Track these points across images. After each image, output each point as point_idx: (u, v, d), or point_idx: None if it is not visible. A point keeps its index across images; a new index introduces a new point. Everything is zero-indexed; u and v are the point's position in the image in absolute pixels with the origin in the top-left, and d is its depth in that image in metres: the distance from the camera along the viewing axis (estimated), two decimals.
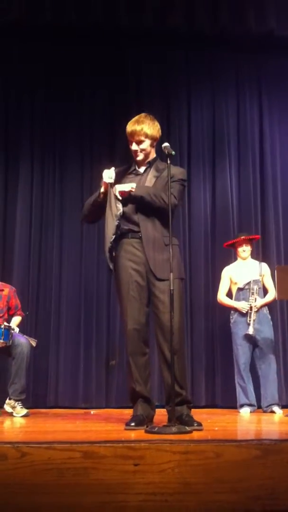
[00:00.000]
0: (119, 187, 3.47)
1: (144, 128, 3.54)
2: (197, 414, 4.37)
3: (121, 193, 3.45)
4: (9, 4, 5.71)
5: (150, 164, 3.64)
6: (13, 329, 4.96)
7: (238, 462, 2.24)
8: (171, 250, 3.21)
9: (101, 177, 3.56)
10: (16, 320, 5.24)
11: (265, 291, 5.57)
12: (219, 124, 6.64)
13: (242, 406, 5.30)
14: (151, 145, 3.62)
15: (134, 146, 3.60)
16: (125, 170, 3.72)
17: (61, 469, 2.18)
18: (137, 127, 3.54)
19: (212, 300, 6.15)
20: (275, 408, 5.18)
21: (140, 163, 3.67)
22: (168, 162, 3.36)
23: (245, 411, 5.21)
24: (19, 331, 5.13)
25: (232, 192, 6.48)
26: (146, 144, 3.58)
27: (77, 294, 6.22)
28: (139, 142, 3.58)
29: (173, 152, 3.42)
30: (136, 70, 6.64)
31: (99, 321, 6.19)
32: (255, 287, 5.45)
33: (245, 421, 4.44)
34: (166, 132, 6.51)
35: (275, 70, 6.77)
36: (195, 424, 3.21)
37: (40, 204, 6.37)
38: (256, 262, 5.68)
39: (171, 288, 3.18)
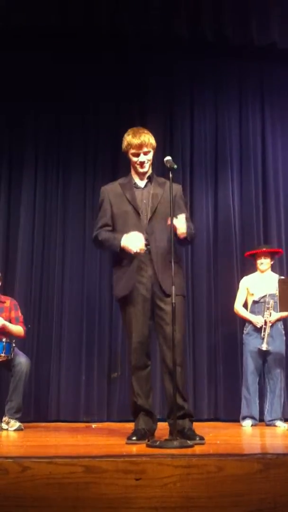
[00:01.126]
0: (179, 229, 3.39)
1: (150, 139, 3.65)
2: (200, 427, 4.35)
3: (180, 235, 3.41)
4: (11, 13, 5.74)
5: (150, 179, 3.67)
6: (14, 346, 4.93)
7: (240, 476, 2.23)
8: (173, 265, 3.23)
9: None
10: (15, 326, 5.10)
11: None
12: (222, 136, 6.67)
13: (244, 418, 5.27)
14: (152, 156, 3.69)
15: (141, 157, 3.64)
16: (124, 184, 3.75)
17: (63, 483, 2.17)
18: (145, 138, 3.62)
19: (215, 313, 6.15)
20: (279, 423, 5.14)
21: (141, 176, 3.70)
22: (170, 175, 3.41)
23: (246, 424, 5.18)
24: (18, 345, 5.08)
25: (234, 204, 6.49)
26: (151, 155, 3.67)
27: (79, 305, 6.21)
28: (146, 153, 3.64)
29: (175, 166, 3.46)
30: (140, 81, 6.66)
31: (101, 334, 6.17)
32: (271, 301, 5.38)
33: (247, 435, 4.41)
34: (169, 143, 6.57)
35: (278, 82, 6.81)
36: (197, 438, 3.21)
37: (43, 214, 6.37)
38: (276, 276, 5.61)
39: (173, 302, 3.19)
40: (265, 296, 5.43)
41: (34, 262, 6.24)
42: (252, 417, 5.24)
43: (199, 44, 6.27)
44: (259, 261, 5.61)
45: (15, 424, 4.68)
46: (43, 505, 2.15)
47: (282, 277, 5.58)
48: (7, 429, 4.67)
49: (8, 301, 5.24)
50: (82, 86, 6.53)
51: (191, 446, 2.93)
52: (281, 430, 4.87)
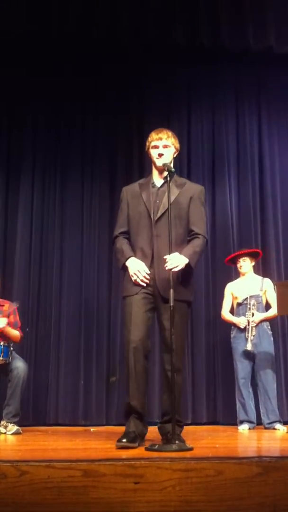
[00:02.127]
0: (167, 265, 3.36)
1: (172, 136, 3.69)
2: (198, 431, 4.36)
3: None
4: (11, 18, 5.76)
5: (167, 179, 3.57)
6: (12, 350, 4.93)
7: (239, 479, 2.22)
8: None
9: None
10: (13, 330, 5.10)
11: (268, 307, 5.55)
12: (219, 140, 6.68)
13: (241, 422, 5.25)
14: (173, 154, 3.71)
15: (160, 150, 3.64)
16: (143, 184, 3.78)
17: (61, 487, 2.16)
18: (165, 134, 3.68)
19: (213, 317, 6.14)
20: (278, 426, 5.12)
21: (159, 173, 3.69)
22: (168, 179, 3.44)
23: (243, 428, 5.15)
24: (17, 350, 5.07)
25: (232, 208, 6.49)
26: (171, 151, 3.68)
27: (77, 310, 6.21)
28: (165, 147, 3.65)
29: (173, 169, 3.49)
30: (137, 86, 6.69)
31: (99, 338, 6.17)
32: (252, 302, 5.43)
33: (246, 438, 4.40)
34: None
35: (275, 86, 6.82)
36: (178, 442, 3.07)
37: (41, 220, 6.38)
38: (259, 278, 5.65)
39: (171, 305, 3.19)
40: (247, 297, 5.46)
41: (32, 267, 6.25)
42: (249, 421, 5.22)
43: (196, 49, 6.28)
44: (238, 265, 5.66)
45: (13, 428, 4.67)
46: (42, 510, 2.14)
47: (267, 279, 5.63)
48: (5, 433, 4.66)
49: (7, 305, 5.24)
50: (81, 91, 6.55)
51: (190, 449, 2.92)
52: (280, 433, 4.86)
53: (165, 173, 3.58)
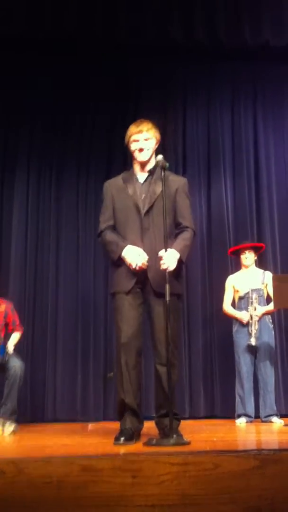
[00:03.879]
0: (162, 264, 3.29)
1: (152, 128, 3.62)
2: (196, 424, 4.38)
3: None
4: (10, 19, 5.75)
5: (150, 173, 3.60)
6: (8, 349, 4.93)
7: (237, 472, 2.23)
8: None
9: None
10: (14, 338, 5.16)
11: (269, 300, 5.55)
12: (214, 134, 6.69)
13: (239, 416, 5.27)
14: (154, 146, 3.64)
15: (141, 143, 3.58)
16: (126, 178, 3.70)
17: (60, 483, 2.16)
18: (147, 126, 3.60)
19: (210, 311, 6.15)
20: (274, 419, 5.15)
21: (142, 168, 3.64)
22: (163, 174, 3.38)
23: (240, 422, 5.17)
24: (15, 349, 5.08)
25: (228, 202, 6.50)
26: (152, 143, 3.62)
27: (74, 306, 6.21)
28: (147, 140, 3.59)
29: (167, 164, 3.43)
30: (134, 83, 6.70)
31: (96, 334, 6.18)
32: (254, 295, 5.41)
33: (243, 432, 4.42)
34: (161, 142, 6.55)
35: (270, 81, 6.83)
36: (175, 436, 3.05)
37: (36, 216, 6.38)
38: (260, 271, 5.63)
39: (167, 299, 3.16)
40: (249, 291, 5.45)
41: (27, 264, 6.25)
42: (247, 415, 5.24)
43: (192, 46, 6.28)
44: (243, 256, 5.62)
45: (11, 425, 4.67)
46: (41, 506, 2.14)
47: (268, 272, 5.62)
48: (2, 431, 4.66)
49: (4, 305, 5.23)
50: (77, 88, 6.54)
51: (188, 443, 2.93)
52: (277, 426, 4.88)
53: (148, 167, 3.59)
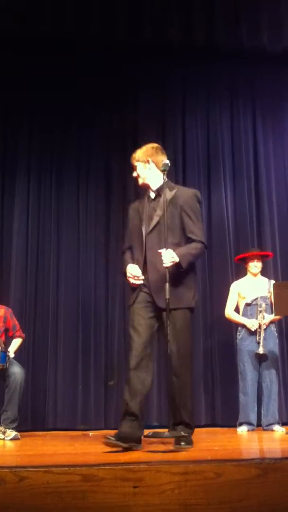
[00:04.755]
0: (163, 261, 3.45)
1: (133, 156, 3.83)
2: (197, 433, 4.33)
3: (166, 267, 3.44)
4: (6, 19, 5.77)
5: (158, 191, 3.72)
6: (9, 353, 4.93)
7: (238, 481, 2.22)
8: (167, 278, 3.38)
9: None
10: (15, 344, 5.18)
11: (273, 308, 5.52)
12: (214, 139, 6.69)
13: (241, 424, 5.24)
14: (145, 168, 3.77)
15: (134, 174, 3.85)
16: (142, 199, 3.90)
17: (60, 492, 2.16)
18: (132, 158, 3.85)
19: (210, 318, 6.14)
20: (276, 427, 5.12)
21: (148, 188, 3.80)
22: (164, 178, 3.65)
23: (242, 430, 5.14)
24: (15, 356, 5.08)
25: (228, 207, 6.49)
26: (139, 167, 3.79)
27: (75, 313, 6.19)
28: (134, 169, 3.82)
29: (164, 168, 3.63)
30: (132, 86, 6.69)
31: (97, 342, 6.16)
32: (263, 304, 5.39)
33: (244, 440, 4.40)
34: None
35: (268, 84, 6.85)
36: (182, 444, 3.25)
37: (37, 221, 6.36)
38: (266, 279, 5.61)
39: (167, 297, 3.33)
40: (257, 298, 5.42)
41: (28, 269, 6.23)
42: (249, 423, 5.20)
43: (190, 49, 6.31)
44: (252, 264, 5.59)
45: (11, 433, 4.65)
46: None
47: (273, 281, 5.60)
48: (3, 439, 4.64)
49: (3, 310, 5.23)
50: (76, 91, 6.53)
51: (184, 436, 3.19)
52: (278, 434, 4.86)
53: (155, 186, 3.74)
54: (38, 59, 6.39)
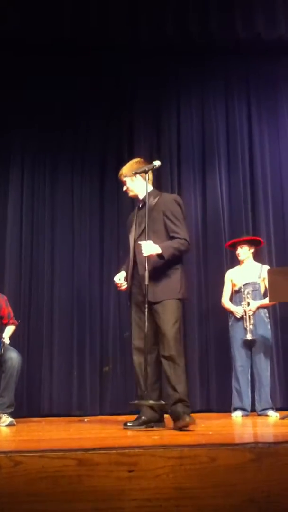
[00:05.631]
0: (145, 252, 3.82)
1: (123, 170, 4.22)
2: None
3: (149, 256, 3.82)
4: (3, 20, 5.76)
5: (144, 201, 4.01)
6: (4, 340, 4.93)
7: (232, 466, 2.23)
8: (146, 275, 3.77)
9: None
10: (9, 330, 5.20)
11: (266, 294, 5.53)
12: (209, 129, 6.68)
13: (235, 409, 5.28)
14: (132, 181, 4.15)
15: (124, 187, 4.24)
16: (135, 209, 4.29)
17: (56, 477, 2.16)
18: (120, 172, 4.24)
19: (205, 305, 6.16)
20: (270, 412, 5.16)
21: (138, 200, 4.22)
22: (148, 177, 4.03)
23: (236, 415, 5.18)
24: (11, 343, 5.08)
25: (223, 196, 6.50)
26: (128, 182, 4.18)
27: (70, 301, 6.21)
28: (124, 183, 4.22)
29: (148, 168, 4.03)
30: (128, 78, 6.68)
31: (92, 328, 6.18)
32: (247, 290, 5.42)
33: (239, 425, 4.43)
34: (156, 136, 6.58)
35: (263, 74, 6.82)
36: (187, 419, 3.57)
37: (31, 212, 6.38)
38: (258, 265, 5.62)
39: (146, 283, 3.76)
40: (242, 286, 5.47)
41: (23, 259, 6.27)
42: (243, 409, 5.25)
43: (185, 39, 6.26)
44: (237, 252, 5.64)
45: (7, 419, 4.66)
46: (37, 500, 2.14)
47: (267, 266, 5.61)
48: None
49: None
50: (71, 85, 6.52)
51: (164, 404, 3.70)
52: (272, 419, 4.90)
53: (141, 196, 4.12)
54: (34, 57, 6.39)
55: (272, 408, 5.23)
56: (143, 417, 3.88)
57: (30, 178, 6.44)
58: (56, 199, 6.43)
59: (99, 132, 6.56)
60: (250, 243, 5.68)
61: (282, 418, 4.86)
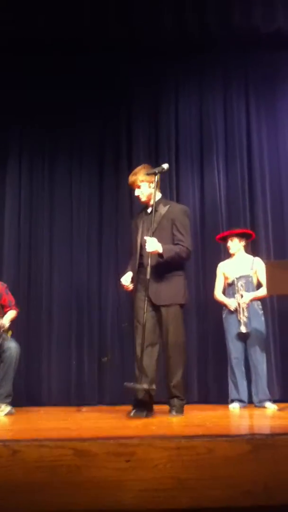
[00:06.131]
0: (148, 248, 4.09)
1: (136, 179, 4.32)
2: (189, 409, 4.40)
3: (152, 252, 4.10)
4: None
5: (155, 207, 4.22)
6: (6, 328, 4.91)
7: (230, 457, 2.23)
8: (148, 273, 4.06)
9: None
10: (10, 314, 5.11)
11: (258, 286, 5.55)
12: (207, 120, 6.65)
13: (232, 401, 5.29)
14: (149, 187, 4.28)
15: (136, 192, 4.36)
16: (141, 212, 4.47)
17: (53, 466, 2.16)
18: (131, 179, 4.36)
19: (203, 297, 6.16)
20: (268, 404, 5.17)
21: (147, 204, 4.34)
22: (156, 179, 4.21)
23: (234, 407, 5.19)
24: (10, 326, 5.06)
25: (221, 188, 6.48)
26: (144, 187, 4.30)
27: (68, 291, 6.21)
28: (138, 187, 4.33)
29: (157, 171, 4.19)
30: (125, 72, 6.63)
31: (91, 319, 6.19)
32: (240, 283, 5.42)
33: (236, 416, 4.44)
34: (154, 129, 6.57)
35: (262, 66, 6.78)
36: (174, 412, 4.08)
37: (29, 206, 6.38)
38: (250, 257, 5.63)
39: (147, 277, 4.03)
40: (235, 279, 5.47)
41: (21, 251, 6.28)
42: (240, 400, 5.26)
43: (182, 33, 6.21)
44: (227, 245, 5.65)
45: (6, 408, 4.67)
46: (35, 489, 2.15)
47: (258, 258, 5.63)
48: None
49: None
50: (68, 78, 6.50)
51: (152, 389, 4.02)
52: (270, 411, 4.91)
53: (152, 201, 4.22)
54: (36, 58, 6.39)
55: (270, 400, 5.25)
56: (142, 407, 4.11)
57: (27, 171, 6.44)
58: (53, 190, 6.43)
59: (97, 128, 6.54)
60: (240, 236, 5.66)
61: (280, 410, 4.87)
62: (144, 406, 4.07)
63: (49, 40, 6.20)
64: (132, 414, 4.01)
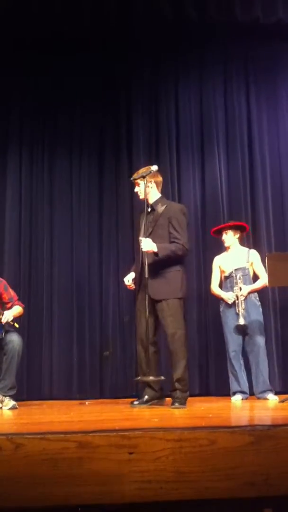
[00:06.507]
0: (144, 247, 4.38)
1: (135, 177, 4.59)
2: (191, 401, 4.42)
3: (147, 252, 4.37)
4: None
5: (153, 206, 4.57)
6: (12, 322, 4.87)
7: (232, 448, 2.24)
8: (147, 271, 4.37)
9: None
10: (15, 309, 4.97)
11: (255, 278, 5.56)
12: (207, 112, 6.63)
13: (234, 393, 5.31)
14: (148, 187, 4.50)
15: (135, 189, 4.65)
16: (143, 210, 4.58)
17: (56, 459, 2.18)
18: (135, 174, 4.65)
19: (204, 289, 6.16)
20: (269, 395, 5.18)
21: (146, 202, 4.51)
22: (146, 181, 4.49)
23: (236, 399, 5.21)
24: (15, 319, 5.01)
25: (221, 180, 6.47)
26: (142, 185, 4.54)
27: (69, 285, 6.21)
28: (137, 185, 4.60)
29: (144, 174, 4.49)
30: (124, 62, 6.61)
31: (92, 312, 6.19)
32: (238, 275, 5.43)
33: (238, 408, 4.46)
34: (155, 120, 6.55)
35: (262, 57, 6.75)
36: (176, 404, 4.23)
37: (30, 196, 6.36)
38: (245, 250, 5.64)
39: (146, 276, 4.33)
40: (233, 271, 5.47)
41: (22, 243, 6.28)
42: (242, 392, 5.28)
43: (183, 23, 6.19)
44: (222, 238, 5.67)
45: (10, 402, 4.66)
46: (37, 482, 2.16)
47: (253, 250, 5.64)
48: (1, 408, 4.67)
49: None
50: (68, 70, 6.49)
51: (161, 379, 4.36)
52: (272, 402, 4.92)
53: (151, 201, 4.58)
54: (29, 37, 6.28)
55: (271, 391, 5.26)
56: (146, 396, 4.50)
57: (28, 160, 6.42)
58: (54, 182, 6.42)
59: (97, 119, 6.52)
60: (235, 228, 5.65)
61: (282, 401, 4.88)
62: (152, 395, 4.50)
63: (49, 34, 6.17)
64: (135, 403, 4.48)
